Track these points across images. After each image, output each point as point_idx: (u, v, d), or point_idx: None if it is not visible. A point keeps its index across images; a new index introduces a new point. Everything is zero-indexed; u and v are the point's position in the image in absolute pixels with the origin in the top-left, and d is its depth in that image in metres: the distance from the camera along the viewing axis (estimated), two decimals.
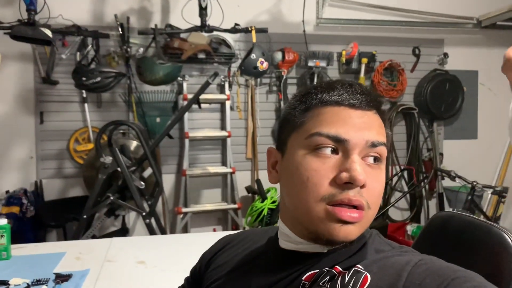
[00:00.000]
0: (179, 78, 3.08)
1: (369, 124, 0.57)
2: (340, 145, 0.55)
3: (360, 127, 0.56)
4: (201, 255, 0.81)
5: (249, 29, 2.59)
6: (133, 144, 2.97)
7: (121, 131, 3.07)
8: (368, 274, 0.53)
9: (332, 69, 3.44)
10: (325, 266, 0.57)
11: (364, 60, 3.38)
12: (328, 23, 3.41)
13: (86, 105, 3.03)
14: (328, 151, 0.56)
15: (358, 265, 0.55)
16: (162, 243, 1.88)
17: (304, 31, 3.33)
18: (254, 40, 2.64)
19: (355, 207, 0.54)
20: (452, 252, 0.70)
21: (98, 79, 2.38)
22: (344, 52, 3.39)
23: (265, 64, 2.78)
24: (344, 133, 0.55)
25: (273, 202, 2.84)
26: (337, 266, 0.56)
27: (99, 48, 2.79)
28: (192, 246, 1.81)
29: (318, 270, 0.56)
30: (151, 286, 1.41)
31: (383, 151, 0.57)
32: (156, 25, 2.76)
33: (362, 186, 0.54)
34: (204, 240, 1.98)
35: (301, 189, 0.56)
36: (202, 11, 2.44)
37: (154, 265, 1.55)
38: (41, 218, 2.86)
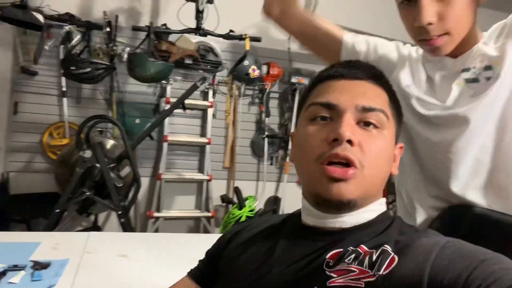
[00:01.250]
0: (163, 81, 3.08)
1: (362, 91, 0.62)
2: (333, 112, 0.60)
3: (352, 93, 0.61)
4: (218, 238, 0.80)
5: (243, 36, 2.64)
6: (110, 143, 2.91)
7: (98, 129, 3.00)
8: (395, 255, 0.53)
9: None
10: (349, 245, 0.57)
11: None
12: None
13: (64, 99, 2.94)
14: (320, 118, 0.61)
15: (385, 245, 0.55)
16: (143, 240, 1.84)
17: (289, 48, 3.42)
18: (247, 47, 2.69)
19: (346, 165, 0.56)
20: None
21: (88, 69, 2.33)
22: None
23: (257, 72, 2.83)
24: (334, 99, 0.60)
25: (251, 210, 2.84)
26: (362, 246, 0.56)
27: (90, 39, 2.74)
28: (176, 244, 1.79)
29: (342, 249, 0.57)
30: (135, 279, 1.38)
31: (379, 117, 0.60)
32: (151, 23, 2.76)
33: (352, 144, 0.57)
34: (186, 240, 1.96)
35: (301, 154, 0.62)
36: (199, 14, 2.46)
37: (138, 259, 1.51)
38: (4, 211, 2.73)
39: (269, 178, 3.45)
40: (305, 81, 3.40)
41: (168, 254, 1.61)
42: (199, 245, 1.87)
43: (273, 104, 3.46)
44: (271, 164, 3.50)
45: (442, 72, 0.85)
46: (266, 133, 3.32)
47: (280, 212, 3.26)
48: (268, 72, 3.23)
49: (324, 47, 1.07)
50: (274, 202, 3.38)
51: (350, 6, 3.61)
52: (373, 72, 0.64)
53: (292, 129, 3.41)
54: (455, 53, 0.80)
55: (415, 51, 0.95)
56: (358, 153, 0.57)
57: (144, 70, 2.41)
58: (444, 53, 0.76)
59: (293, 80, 3.36)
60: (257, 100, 3.42)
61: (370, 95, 0.61)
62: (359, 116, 0.59)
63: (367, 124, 0.59)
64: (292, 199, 3.49)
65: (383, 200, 0.64)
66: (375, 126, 0.59)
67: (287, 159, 3.43)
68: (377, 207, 0.62)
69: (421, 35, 0.74)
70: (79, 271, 1.34)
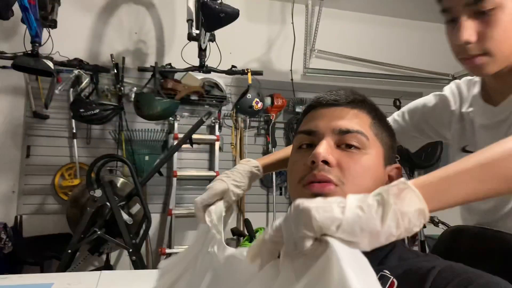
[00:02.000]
0: (170, 118, 3.15)
1: (340, 115, 0.65)
2: (314, 138, 0.65)
3: (329, 118, 0.65)
4: None
5: (245, 71, 2.71)
6: (120, 181, 2.95)
7: (108, 168, 3.05)
8: (394, 279, 0.54)
9: None
10: None
11: None
12: (315, 73, 3.58)
13: (75, 140, 3.02)
14: (305, 145, 0.66)
15: (384, 270, 0.56)
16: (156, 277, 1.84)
17: (292, 79, 3.49)
18: (249, 81, 2.76)
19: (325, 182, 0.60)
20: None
21: (97, 111, 2.41)
22: None
23: (260, 104, 2.89)
24: (313, 126, 0.66)
25: None
26: None
27: (98, 82, 2.84)
28: None
29: None
30: None
31: (358, 138, 0.62)
32: (156, 63, 2.85)
33: (330, 165, 0.60)
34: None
35: (289, 178, 0.68)
36: (201, 52, 2.55)
37: None
38: (18, 254, 2.74)
39: (278, 208, 3.44)
40: None
41: None
42: None
43: (279, 134, 3.50)
44: (280, 194, 3.50)
45: (483, 120, 0.85)
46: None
47: None
48: (272, 103, 3.28)
49: None
50: None
51: (353, 35, 3.70)
52: (353, 98, 0.68)
53: None
54: (500, 91, 0.79)
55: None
56: (336, 172, 0.60)
57: (151, 109, 2.48)
58: (486, 73, 0.75)
59: (298, 109, 3.41)
60: (263, 131, 3.46)
61: (348, 118, 0.65)
62: (338, 139, 0.63)
63: (348, 146, 0.62)
64: None
65: None
66: (357, 147, 0.62)
67: None
68: None
69: (460, 54, 0.75)
70: None
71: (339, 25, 3.69)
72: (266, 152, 3.44)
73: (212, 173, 3.24)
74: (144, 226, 2.76)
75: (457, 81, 0.99)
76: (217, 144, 3.26)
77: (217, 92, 3.24)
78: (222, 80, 3.29)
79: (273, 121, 3.36)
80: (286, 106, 3.40)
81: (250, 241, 2.84)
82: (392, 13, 3.77)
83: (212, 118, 3.24)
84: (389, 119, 1.06)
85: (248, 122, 3.38)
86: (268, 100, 3.29)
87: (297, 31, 3.51)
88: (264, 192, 3.48)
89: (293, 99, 3.45)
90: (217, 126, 3.27)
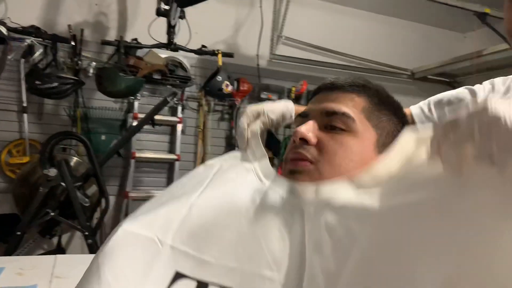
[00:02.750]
0: (130, 97, 3.01)
1: (334, 98, 0.65)
2: (306, 120, 0.65)
3: (323, 101, 0.65)
4: None
5: (216, 52, 2.62)
6: (73, 160, 2.79)
7: (62, 146, 2.87)
8: None
9: None
10: None
11: None
12: (281, 59, 3.56)
13: (25, 115, 2.80)
14: None
15: None
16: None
17: (258, 64, 3.44)
18: (220, 63, 2.68)
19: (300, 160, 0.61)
20: None
21: (55, 84, 2.23)
22: (293, 89, 3.54)
23: (230, 88, 2.82)
24: (308, 109, 0.67)
25: None
26: None
27: (57, 52, 2.63)
28: None
29: None
30: None
31: (343, 120, 0.61)
32: (121, 37, 2.69)
33: (309, 143, 0.61)
34: None
35: None
36: (170, 29, 2.43)
37: None
38: None
39: None
40: (274, 97, 3.42)
41: None
42: None
43: None
44: None
45: None
46: (236, 149, 3.28)
47: None
48: (238, 88, 3.23)
49: None
50: None
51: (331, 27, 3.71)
52: (351, 82, 0.67)
53: None
54: None
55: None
56: (313, 151, 0.61)
57: (114, 85, 2.34)
58: None
59: (263, 96, 3.37)
60: (227, 116, 3.40)
61: (340, 101, 0.64)
62: (325, 121, 0.63)
63: (332, 127, 0.62)
64: None
65: None
66: (342, 129, 0.61)
67: None
68: None
69: None
70: None
71: (308, 13, 3.67)
72: (229, 137, 3.39)
73: (172, 156, 3.14)
74: (98, 208, 2.65)
75: (492, 79, 0.99)
76: (179, 127, 3.16)
77: (181, 72, 3.13)
78: (186, 60, 3.18)
79: (238, 106, 3.31)
80: (251, 91, 3.36)
81: None
82: (361, 6, 3.81)
83: (175, 99, 3.13)
84: (413, 107, 1.06)
85: (212, 105, 3.30)
86: (234, 84, 3.23)
87: (265, 15, 3.45)
88: None
89: (259, 85, 3.41)
90: (179, 108, 3.17)
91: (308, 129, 0.62)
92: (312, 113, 0.65)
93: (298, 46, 3.63)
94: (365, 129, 0.62)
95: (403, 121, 0.68)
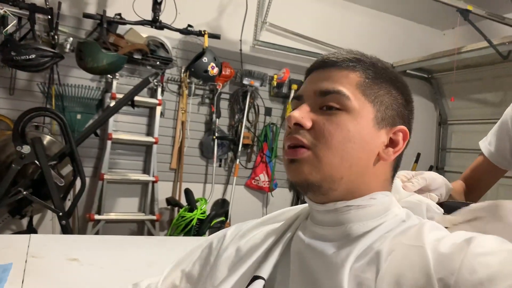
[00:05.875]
0: (108, 76, 2.91)
1: (327, 76, 0.62)
2: (301, 102, 0.63)
3: (316, 80, 0.63)
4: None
5: (202, 32, 2.55)
6: (46, 139, 2.68)
7: (35, 124, 2.75)
8: None
9: (263, 91, 3.54)
10: None
11: (294, 87, 3.55)
12: (264, 46, 3.51)
13: None
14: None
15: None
16: (92, 243, 1.70)
17: (241, 50, 3.39)
18: (206, 44, 2.61)
19: (298, 146, 0.59)
20: None
21: (33, 56, 2.11)
22: (276, 76, 3.51)
23: (216, 70, 2.75)
24: (301, 90, 0.64)
25: (203, 213, 2.75)
26: None
27: (35, 23, 2.49)
28: (131, 247, 1.67)
29: None
30: (90, 284, 1.26)
31: (337, 98, 0.59)
32: (104, 11, 2.58)
33: (304, 127, 0.59)
34: (141, 242, 1.84)
35: None
36: (156, 5, 2.35)
37: (91, 263, 1.38)
38: None
39: (217, 180, 3.38)
40: (257, 83, 3.39)
41: (123, 258, 1.50)
42: (156, 248, 1.78)
43: (224, 105, 3.40)
44: (220, 166, 3.44)
45: None
46: (216, 134, 3.24)
47: (229, 216, 3.20)
48: (220, 72, 3.17)
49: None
50: (222, 204, 3.32)
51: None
52: (343, 57, 0.63)
53: (243, 131, 3.38)
54: None
55: None
56: (308, 135, 0.58)
57: (95, 61, 2.23)
58: None
59: (245, 81, 3.33)
60: (207, 101, 3.34)
61: (333, 79, 0.61)
62: (320, 102, 0.60)
63: (328, 108, 0.59)
64: (240, 202, 3.45)
65: (380, 193, 0.60)
66: (338, 109, 0.59)
67: (237, 161, 3.39)
68: (368, 202, 0.59)
69: None
70: (26, 277, 1.20)
71: (293, 1, 3.64)
72: (209, 122, 3.34)
73: (150, 139, 3.07)
74: (72, 190, 2.56)
75: None
76: (158, 109, 3.08)
77: (163, 53, 3.04)
78: (168, 41, 3.10)
79: (219, 91, 3.26)
80: (233, 77, 3.31)
81: (190, 211, 2.75)
82: None
83: (156, 80, 3.05)
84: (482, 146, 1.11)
85: (193, 89, 3.23)
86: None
87: (250, 0, 3.40)
88: (204, 163, 3.39)
89: (241, 70, 3.36)
90: (159, 90, 3.08)
91: (301, 113, 0.59)
92: (305, 95, 0.63)
93: (281, 34, 3.60)
94: (362, 106, 0.59)
95: (403, 92, 0.65)
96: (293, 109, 0.64)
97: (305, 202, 0.68)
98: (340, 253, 0.55)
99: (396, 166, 0.65)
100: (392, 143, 0.62)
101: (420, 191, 0.78)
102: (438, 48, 3.67)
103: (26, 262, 1.31)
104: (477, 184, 1.09)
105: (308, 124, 0.59)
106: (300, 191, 0.61)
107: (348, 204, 0.58)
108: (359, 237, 0.56)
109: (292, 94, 3.57)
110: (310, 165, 0.57)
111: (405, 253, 0.52)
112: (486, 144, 1.09)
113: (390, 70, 0.66)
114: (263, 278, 0.55)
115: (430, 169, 4.12)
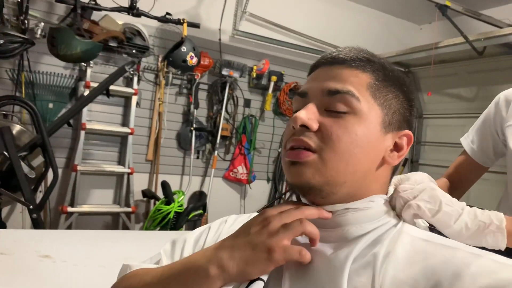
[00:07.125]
0: (82, 64, 2.81)
1: (335, 75, 0.59)
2: (306, 100, 0.59)
3: (323, 78, 0.59)
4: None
5: (181, 21, 2.48)
6: (16, 128, 2.57)
7: (3, 112, 2.63)
8: None
9: (242, 82, 3.50)
10: None
11: (274, 78, 3.52)
12: (244, 36, 3.46)
13: None
14: (297, 108, 0.61)
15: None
16: (65, 238, 1.64)
17: (220, 39, 3.33)
18: (185, 33, 2.54)
19: (302, 148, 0.56)
20: None
21: (0, 41, 2.00)
22: (255, 67, 3.47)
23: (195, 60, 2.68)
24: (306, 87, 0.61)
25: (180, 206, 2.70)
26: None
27: (3, 6, 2.36)
28: (105, 242, 1.62)
29: None
30: (63, 282, 1.21)
31: (346, 99, 0.56)
32: None
33: (310, 129, 0.56)
34: (115, 237, 1.79)
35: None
36: None
37: (64, 260, 1.33)
38: None
39: (195, 172, 3.33)
40: (236, 74, 3.34)
41: (98, 254, 1.45)
42: (132, 243, 1.72)
43: (202, 96, 3.35)
44: (197, 157, 3.39)
45: None
46: (194, 125, 3.19)
47: (206, 209, 3.16)
48: (198, 62, 3.10)
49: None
50: (199, 197, 3.27)
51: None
52: (354, 56, 0.60)
53: (221, 122, 3.33)
54: None
55: None
56: (315, 138, 0.55)
57: (69, 48, 2.13)
58: None
59: (224, 72, 3.28)
60: (185, 91, 3.28)
61: (343, 78, 0.58)
62: (327, 101, 0.57)
63: (335, 110, 0.56)
64: (218, 195, 3.41)
65: (378, 197, 0.59)
66: (345, 112, 0.56)
67: (215, 153, 3.35)
68: (367, 205, 0.58)
69: None
70: None
71: None
72: (187, 113, 3.27)
73: (125, 129, 2.99)
74: (43, 182, 2.47)
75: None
76: (134, 99, 3.00)
77: (140, 41, 2.95)
78: (145, 29, 3.01)
79: (197, 81, 3.20)
80: (212, 67, 3.25)
81: (167, 204, 2.70)
82: None
83: (132, 69, 2.96)
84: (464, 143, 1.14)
85: (170, 78, 3.16)
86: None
87: None
88: (181, 155, 3.33)
89: (220, 60, 3.31)
90: (135, 79, 3.00)
91: (308, 114, 0.56)
92: (311, 93, 0.59)
93: (262, 24, 3.55)
94: (370, 109, 0.57)
95: (408, 97, 0.63)
96: (295, 107, 0.62)
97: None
98: (338, 255, 0.54)
99: (395, 169, 0.64)
100: (396, 147, 0.60)
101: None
102: (415, 43, 3.70)
103: None
104: (461, 181, 1.10)
105: (315, 126, 0.56)
106: (298, 193, 0.59)
107: (347, 207, 0.57)
108: (356, 239, 0.55)
109: (271, 86, 3.54)
110: (314, 168, 0.55)
111: (404, 256, 0.51)
112: (469, 142, 1.09)
113: (398, 73, 0.63)
114: (262, 280, 0.53)
115: (405, 162, 4.18)
